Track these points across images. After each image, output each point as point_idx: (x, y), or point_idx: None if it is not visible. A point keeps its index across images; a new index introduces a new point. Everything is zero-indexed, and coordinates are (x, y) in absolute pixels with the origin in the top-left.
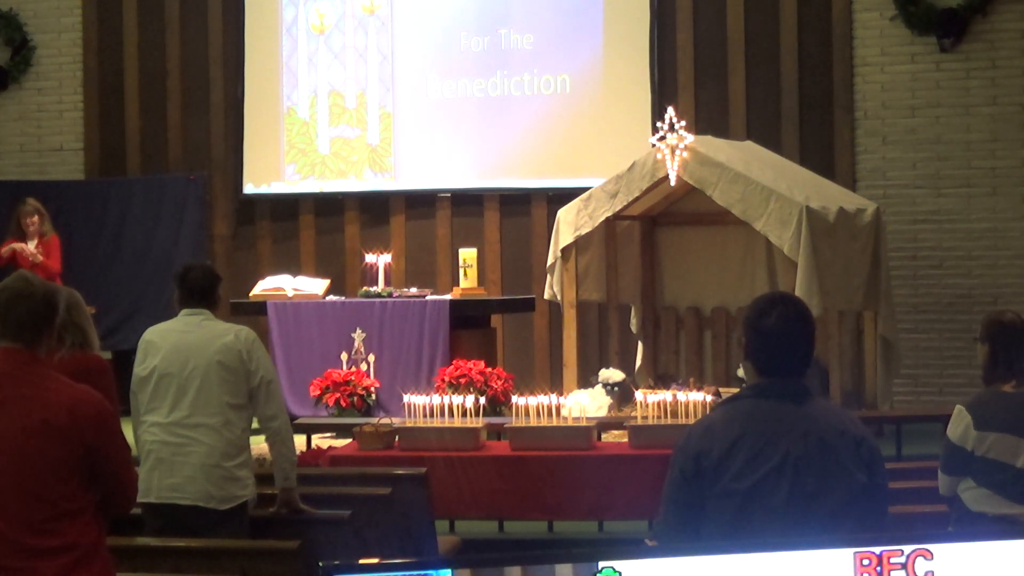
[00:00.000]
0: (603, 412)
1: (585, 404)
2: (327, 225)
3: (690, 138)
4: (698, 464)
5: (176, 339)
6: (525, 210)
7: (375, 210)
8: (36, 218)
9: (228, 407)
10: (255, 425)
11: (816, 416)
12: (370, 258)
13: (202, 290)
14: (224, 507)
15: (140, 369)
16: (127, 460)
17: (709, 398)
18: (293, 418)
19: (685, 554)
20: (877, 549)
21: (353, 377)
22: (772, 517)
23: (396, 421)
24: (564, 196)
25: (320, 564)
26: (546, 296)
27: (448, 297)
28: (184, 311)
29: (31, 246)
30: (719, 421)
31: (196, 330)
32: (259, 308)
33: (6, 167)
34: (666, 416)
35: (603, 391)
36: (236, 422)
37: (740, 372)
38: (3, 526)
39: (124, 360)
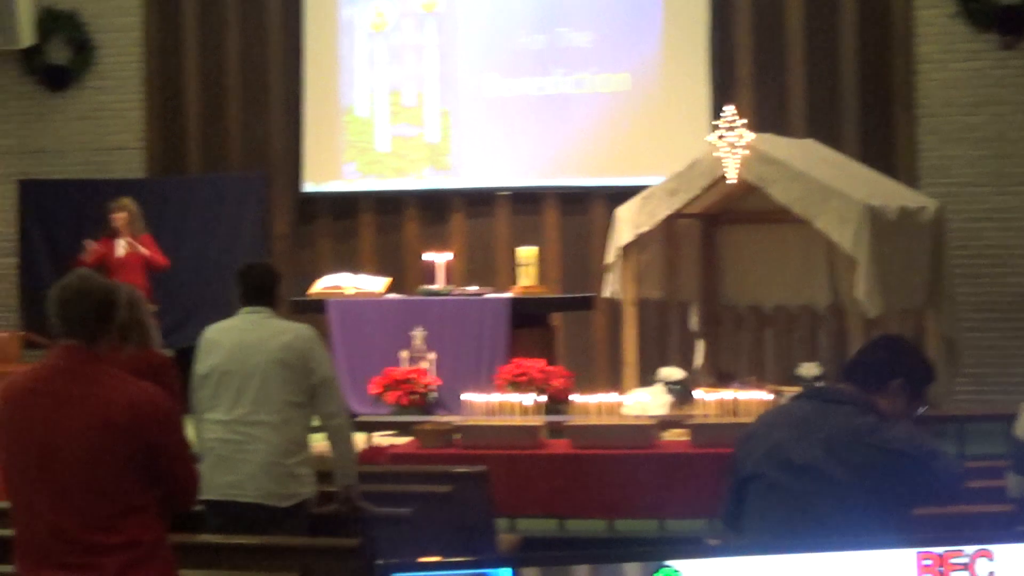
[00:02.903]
0: (663, 410)
1: (645, 402)
2: (387, 223)
3: (750, 136)
4: (740, 449)
5: (237, 337)
6: (584, 208)
7: (434, 208)
8: (124, 215)
9: (288, 405)
10: (315, 423)
11: (851, 423)
12: (429, 256)
13: (262, 288)
14: (284, 505)
15: (200, 367)
16: (187, 457)
17: (769, 397)
18: (353, 416)
19: (745, 553)
20: (939, 549)
21: (413, 375)
22: (791, 511)
23: (456, 419)
24: (623, 194)
25: (379, 562)
26: (605, 294)
27: (508, 295)
28: (244, 309)
29: (121, 243)
30: (770, 414)
31: (256, 328)
32: (319, 306)
33: (68, 166)
34: (726, 415)
35: (663, 389)
36: (296, 420)
37: (800, 371)
38: (66, 522)
39: (184, 358)
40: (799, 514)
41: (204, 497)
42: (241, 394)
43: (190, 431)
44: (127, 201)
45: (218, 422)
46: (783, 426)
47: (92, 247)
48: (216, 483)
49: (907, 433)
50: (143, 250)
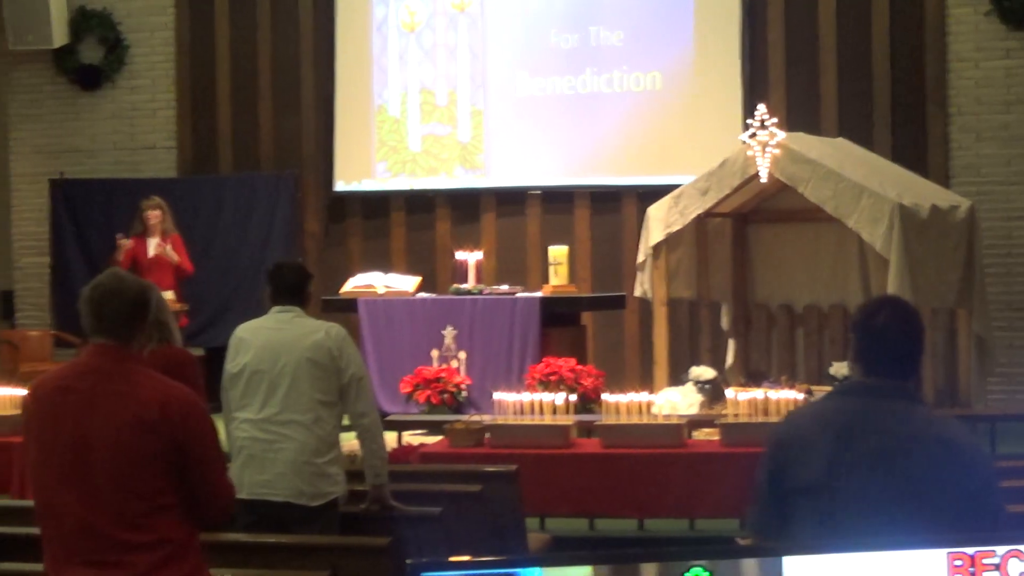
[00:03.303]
0: (694, 410)
1: (676, 402)
2: (418, 222)
3: (781, 135)
4: (784, 456)
5: (267, 336)
6: (615, 207)
7: (466, 207)
8: (158, 213)
9: (319, 404)
10: (345, 422)
11: (909, 418)
12: (461, 255)
13: (293, 287)
14: (315, 504)
15: (231, 366)
16: (219, 463)
17: (801, 396)
18: (384, 415)
19: (776, 554)
20: (970, 550)
21: (444, 374)
22: (857, 518)
23: (487, 418)
24: (655, 193)
25: (409, 561)
26: (636, 293)
27: (538, 294)
28: (275, 308)
29: (153, 242)
30: (808, 416)
31: (287, 327)
32: (350, 305)
33: (100, 165)
34: (757, 414)
35: (694, 389)
36: (327, 419)
37: (832, 370)
38: (97, 520)
39: (216, 357)
40: (871, 520)
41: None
42: (271, 393)
43: (220, 431)
44: (159, 200)
45: (248, 421)
46: (833, 429)
47: (126, 246)
48: (247, 482)
49: (963, 428)
50: (173, 257)
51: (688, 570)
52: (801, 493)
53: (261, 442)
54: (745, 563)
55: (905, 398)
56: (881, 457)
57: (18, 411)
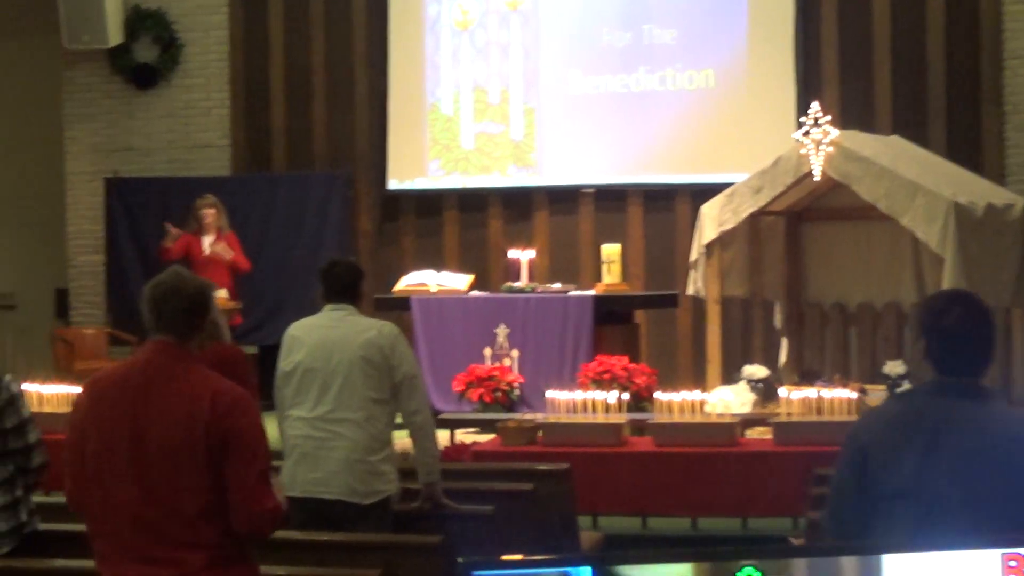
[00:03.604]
0: (747, 408)
1: (729, 400)
2: (471, 220)
3: (835, 133)
4: (867, 459)
5: (320, 334)
6: (668, 205)
7: (518, 206)
8: (213, 211)
9: (371, 402)
10: (398, 420)
11: (994, 416)
12: (513, 253)
13: (346, 285)
14: (367, 501)
15: (284, 364)
16: (256, 460)
17: (854, 395)
18: (436, 413)
19: (829, 554)
20: None
21: (496, 372)
22: (947, 518)
23: (539, 417)
24: (708, 191)
25: (460, 559)
26: (689, 292)
27: (591, 293)
28: (328, 306)
29: (208, 240)
30: (888, 418)
31: (340, 325)
32: (403, 304)
33: (155, 164)
34: (810, 413)
35: (747, 387)
36: (379, 417)
37: (885, 369)
38: (153, 516)
39: (269, 355)
40: (959, 521)
41: (287, 494)
42: (325, 391)
43: (271, 429)
44: (214, 199)
45: (302, 419)
46: (916, 431)
47: (175, 234)
48: (299, 479)
49: None
50: (226, 254)
51: (741, 569)
52: (888, 497)
53: (314, 440)
54: (798, 563)
55: (982, 396)
56: (966, 457)
57: None
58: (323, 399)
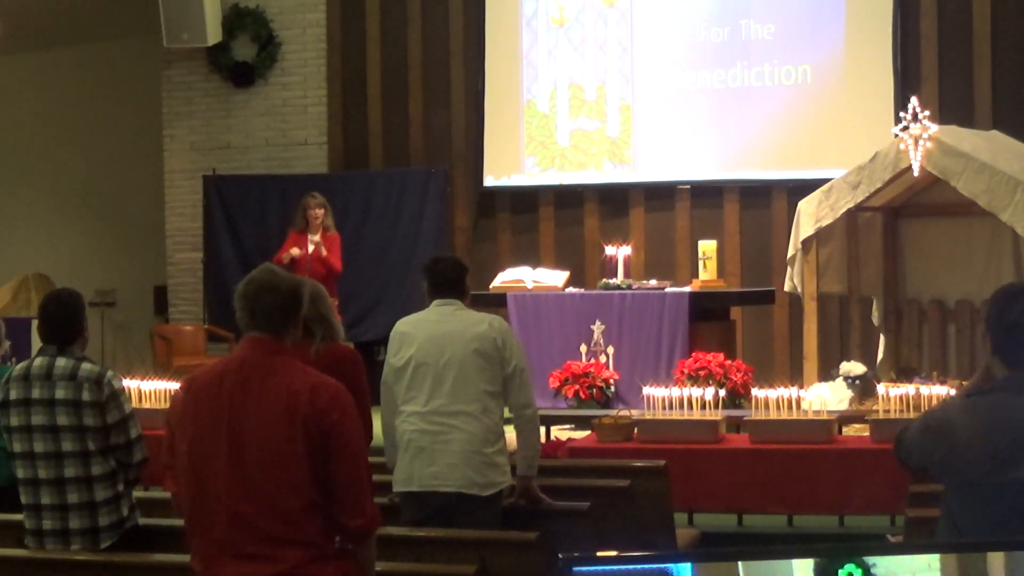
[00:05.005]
0: (844, 405)
1: (826, 397)
2: (566, 217)
3: (934, 128)
4: (939, 449)
5: (431, 329)
6: (765, 202)
7: (614, 202)
8: (321, 211)
9: (486, 394)
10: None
11: None
12: (610, 250)
13: (452, 280)
14: (486, 493)
15: (395, 360)
16: (357, 458)
17: (953, 392)
18: None
19: (925, 551)
20: None
21: (592, 369)
22: (1014, 512)
23: (635, 413)
24: (805, 188)
25: (559, 556)
26: (786, 288)
27: (687, 289)
28: (436, 302)
29: (314, 239)
30: (963, 412)
31: (450, 319)
32: (499, 300)
33: (253, 161)
34: (908, 410)
35: (844, 384)
36: (493, 409)
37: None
38: (251, 511)
39: (366, 351)
40: None
41: (405, 489)
42: (438, 385)
43: (376, 425)
44: (323, 199)
45: (416, 414)
46: (989, 426)
47: (297, 253)
48: (416, 474)
49: None
50: (322, 251)
51: (841, 567)
52: (960, 488)
53: (429, 434)
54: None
55: None
56: None
57: None
58: (437, 393)
